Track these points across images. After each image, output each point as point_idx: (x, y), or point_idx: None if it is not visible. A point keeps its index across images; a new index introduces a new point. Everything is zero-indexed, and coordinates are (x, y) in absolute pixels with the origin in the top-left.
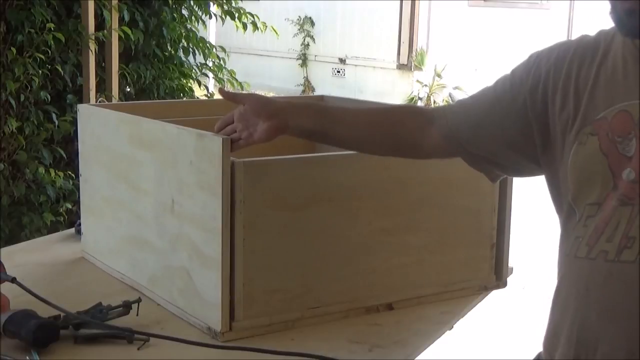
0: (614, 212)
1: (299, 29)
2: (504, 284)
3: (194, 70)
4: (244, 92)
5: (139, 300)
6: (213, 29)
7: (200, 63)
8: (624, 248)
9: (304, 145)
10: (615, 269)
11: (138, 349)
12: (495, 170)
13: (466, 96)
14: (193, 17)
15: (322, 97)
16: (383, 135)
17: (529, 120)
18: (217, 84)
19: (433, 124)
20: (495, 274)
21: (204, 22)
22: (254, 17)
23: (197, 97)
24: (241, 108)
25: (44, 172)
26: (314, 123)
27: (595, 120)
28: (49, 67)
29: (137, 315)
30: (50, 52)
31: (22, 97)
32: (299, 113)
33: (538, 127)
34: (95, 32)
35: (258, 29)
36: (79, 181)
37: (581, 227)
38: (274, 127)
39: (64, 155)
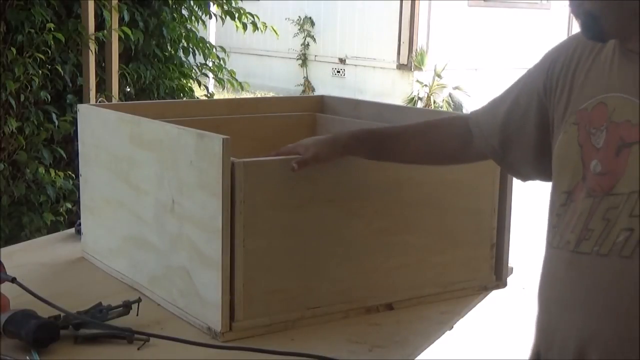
0: (580, 203)
1: (299, 29)
2: (504, 284)
3: (194, 70)
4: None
5: (139, 300)
6: (213, 29)
7: (200, 63)
8: (582, 239)
9: None
10: (575, 259)
11: (138, 349)
12: (529, 173)
13: (468, 96)
14: (193, 17)
15: (322, 97)
16: (432, 155)
17: (546, 119)
18: (217, 84)
19: (472, 134)
20: (495, 274)
21: (204, 22)
22: (254, 17)
23: (197, 97)
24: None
25: (44, 172)
26: (366, 155)
27: (579, 110)
28: (49, 67)
29: (137, 315)
30: (50, 52)
31: (22, 97)
32: (349, 151)
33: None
34: (95, 32)
35: (258, 29)
36: (79, 181)
37: (555, 216)
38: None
39: (64, 155)
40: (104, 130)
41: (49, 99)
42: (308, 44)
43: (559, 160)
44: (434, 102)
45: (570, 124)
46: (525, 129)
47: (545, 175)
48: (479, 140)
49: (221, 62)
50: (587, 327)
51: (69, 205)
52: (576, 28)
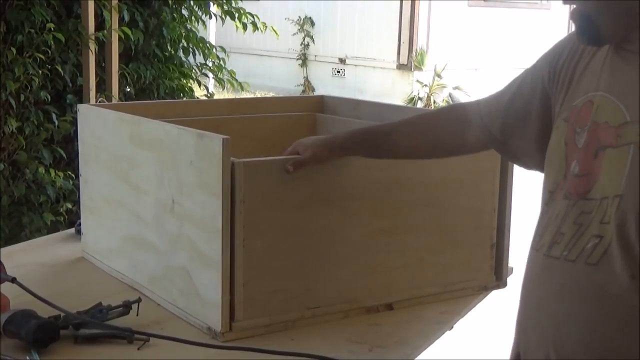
0: (558, 204)
1: (299, 29)
2: (504, 284)
3: (194, 70)
4: (297, 148)
5: (139, 300)
6: (213, 29)
7: (200, 63)
8: (554, 243)
9: None
10: (546, 263)
11: (138, 349)
12: (528, 163)
13: (468, 96)
14: (193, 17)
15: (322, 97)
16: (428, 147)
17: (549, 108)
18: (217, 84)
19: (470, 124)
20: (495, 274)
21: (204, 22)
22: (254, 17)
23: (197, 97)
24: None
25: (44, 172)
26: (364, 154)
27: (571, 106)
28: (49, 67)
29: (137, 315)
30: (50, 52)
31: (22, 97)
32: (346, 151)
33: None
34: (95, 32)
35: (258, 29)
36: (79, 181)
37: (539, 216)
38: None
39: (64, 155)
40: (104, 130)
41: (49, 99)
42: (308, 44)
43: (547, 157)
44: (434, 102)
45: (562, 120)
46: (529, 117)
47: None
48: (479, 129)
49: (221, 62)
50: (551, 332)
51: (69, 205)
52: None
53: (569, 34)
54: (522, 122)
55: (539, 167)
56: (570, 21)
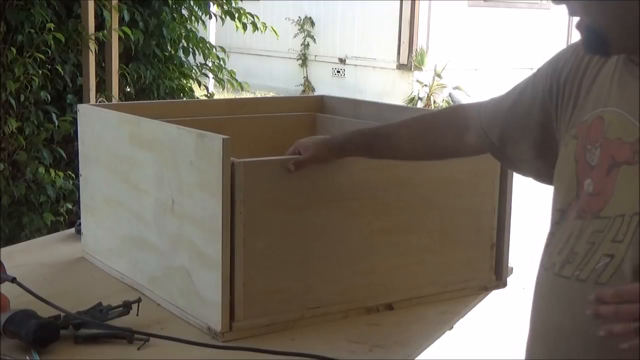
0: (570, 223)
1: (299, 29)
2: (504, 284)
3: (194, 71)
4: (298, 148)
5: (139, 300)
6: (213, 29)
7: (200, 63)
8: (566, 263)
9: None
10: (556, 283)
11: (138, 349)
12: (526, 173)
13: (468, 96)
14: (193, 17)
15: (322, 97)
16: (425, 150)
17: (549, 119)
18: (217, 84)
19: (469, 128)
20: (495, 274)
21: (203, 22)
22: (254, 17)
23: (197, 97)
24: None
25: (44, 172)
26: (363, 155)
27: (580, 122)
28: (49, 67)
29: (137, 315)
30: (50, 52)
31: (22, 97)
32: (346, 153)
33: (556, 126)
34: (95, 32)
35: (258, 29)
36: (79, 181)
37: (549, 235)
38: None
39: (64, 155)
40: (104, 130)
41: (49, 99)
42: (308, 44)
43: (556, 175)
44: (434, 102)
45: (571, 137)
46: (528, 126)
47: (542, 178)
48: (477, 134)
49: (221, 62)
50: (559, 346)
51: (69, 205)
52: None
53: (569, 45)
54: (520, 130)
55: (536, 174)
56: (574, 29)
